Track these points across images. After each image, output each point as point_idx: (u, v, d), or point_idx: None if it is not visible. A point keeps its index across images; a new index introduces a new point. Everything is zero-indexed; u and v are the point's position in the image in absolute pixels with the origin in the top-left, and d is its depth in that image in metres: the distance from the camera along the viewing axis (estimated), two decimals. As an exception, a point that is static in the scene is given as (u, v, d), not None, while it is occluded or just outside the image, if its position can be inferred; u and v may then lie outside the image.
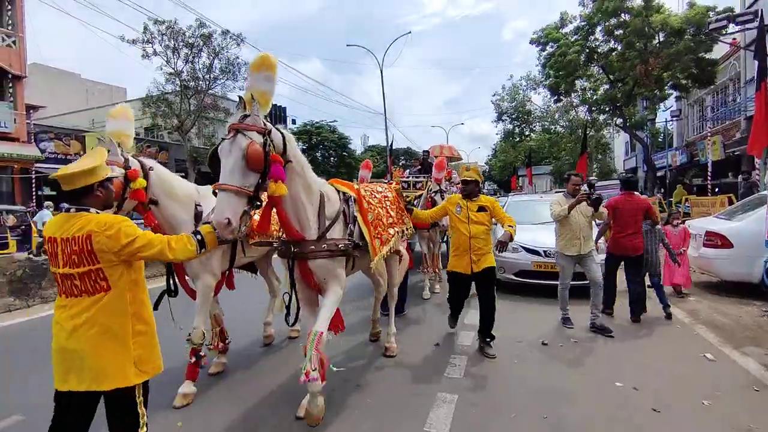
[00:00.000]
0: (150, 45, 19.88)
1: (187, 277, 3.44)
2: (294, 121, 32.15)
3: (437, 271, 6.89)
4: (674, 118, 23.52)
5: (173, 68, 20.49)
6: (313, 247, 2.82)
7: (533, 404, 3.15)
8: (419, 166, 9.08)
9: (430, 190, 6.51)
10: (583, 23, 21.04)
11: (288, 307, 3.00)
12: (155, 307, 2.68)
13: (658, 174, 22.23)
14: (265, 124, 2.41)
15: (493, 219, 4.24)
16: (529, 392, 3.34)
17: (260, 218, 2.94)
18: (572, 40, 21.61)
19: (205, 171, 21.45)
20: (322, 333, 2.76)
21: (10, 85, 15.67)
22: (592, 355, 4.13)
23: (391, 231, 3.61)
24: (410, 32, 24.50)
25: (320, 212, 2.88)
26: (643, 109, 23.86)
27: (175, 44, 20.22)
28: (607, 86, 22.55)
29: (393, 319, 4.28)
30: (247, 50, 30.69)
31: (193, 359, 3.27)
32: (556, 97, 27.39)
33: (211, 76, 21.33)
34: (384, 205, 3.70)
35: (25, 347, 4.61)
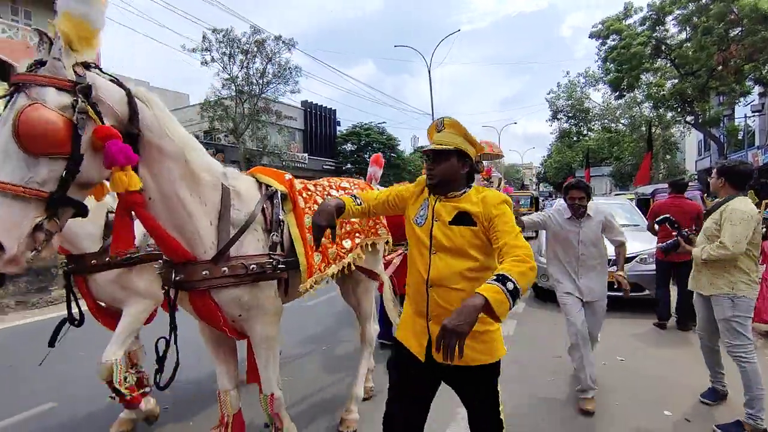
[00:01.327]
0: (208, 53, 20.99)
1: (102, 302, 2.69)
2: (339, 123, 32.60)
3: None
4: (756, 114, 21.18)
5: (229, 74, 21.48)
6: (206, 272, 1.84)
7: (564, 430, 2.84)
8: None
9: None
10: (650, 13, 19.55)
11: (161, 360, 1.94)
12: (51, 343, 2.45)
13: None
14: (78, 74, 1.42)
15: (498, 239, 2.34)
16: (562, 417, 3.02)
17: (117, 230, 1.67)
18: (637, 31, 20.14)
19: (258, 172, 22.29)
20: (273, 395, 2.14)
21: (86, 93, 17.22)
22: (638, 376, 3.69)
23: (348, 243, 2.61)
24: (459, 30, 23.89)
25: (221, 218, 1.91)
26: (717, 104, 21.75)
27: (231, 51, 21.20)
28: (676, 80, 20.79)
29: (363, 369, 3.05)
30: (298, 55, 31.58)
31: (116, 397, 2.58)
32: (617, 94, 25.74)
33: (264, 81, 22.14)
34: None
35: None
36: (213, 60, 21.04)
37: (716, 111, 20.21)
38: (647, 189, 10.67)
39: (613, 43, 21.53)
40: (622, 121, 29.71)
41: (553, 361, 3.98)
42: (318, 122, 30.26)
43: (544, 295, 6.29)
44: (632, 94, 26.11)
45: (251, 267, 1.93)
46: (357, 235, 2.71)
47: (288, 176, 2.34)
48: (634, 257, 5.60)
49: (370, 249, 2.83)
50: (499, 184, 8.42)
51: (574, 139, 34.10)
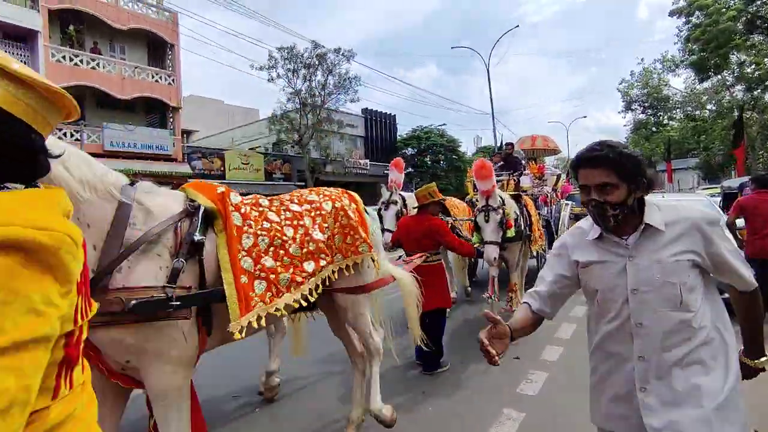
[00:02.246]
0: (274, 69, 22.38)
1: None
2: (396, 128, 32.91)
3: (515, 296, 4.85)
4: None
5: (293, 88, 22.73)
6: None
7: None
8: (501, 162, 7.44)
9: (475, 207, 4.45)
10: None
11: None
12: None
13: None
14: None
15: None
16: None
17: None
18: (727, 5, 18.19)
19: (324, 180, 23.31)
20: None
21: (170, 115, 19.13)
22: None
23: (311, 266, 2.22)
24: (517, 26, 23.21)
25: (109, 239, 1.61)
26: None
27: (294, 66, 22.43)
28: (772, 58, 18.49)
29: (376, 381, 2.80)
30: (359, 63, 32.49)
31: None
32: (701, 77, 23.37)
33: (326, 92, 23.11)
34: (301, 224, 2.28)
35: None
36: (278, 76, 22.39)
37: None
38: (734, 182, 9.63)
39: (697, 20, 19.64)
40: (709, 107, 26.88)
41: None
42: (378, 128, 30.86)
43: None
44: (720, 77, 23.60)
45: (131, 303, 1.54)
46: (323, 256, 2.31)
47: (221, 189, 2.05)
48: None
49: (351, 270, 2.48)
50: (557, 183, 7.89)
51: (653, 130, 31.43)
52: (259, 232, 2.07)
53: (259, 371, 3.45)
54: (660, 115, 30.39)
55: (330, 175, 23.19)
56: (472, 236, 4.75)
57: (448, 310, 4.47)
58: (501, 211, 4.03)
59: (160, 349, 1.67)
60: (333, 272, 2.37)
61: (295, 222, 2.27)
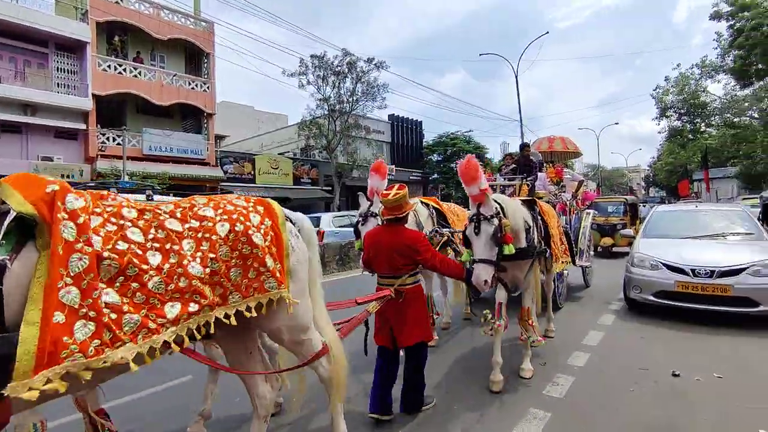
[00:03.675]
0: (304, 76, 22.94)
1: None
2: (423, 135, 32.97)
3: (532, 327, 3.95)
4: None
5: (322, 95, 23.21)
6: None
7: (640, 438, 2.81)
8: (513, 165, 6.78)
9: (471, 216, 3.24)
10: None
11: None
12: None
13: None
14: None
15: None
16: (636, 426, 2.97)
17: None
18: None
19: (350, 185, 23.65)
20: None
21: (205, 121, 19.91)
22: (736, 396, 3.40)
23: (175, 310, 1.71)
24: (547, 32, 22.95)
25: None
26: None
27: (324, 73, 22.92)
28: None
29: None
30: (388, 70, 32.84)
31: None
32: (743, 83, 22.48)
33: (354, 99, 23.50)
34: (174, 249, 1.76)
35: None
36: (309, 83, 22.92)
37: None
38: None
39: (740, 25, 18.91)
40: (750, 114, 25.77)
41: (637, 372, 3.84)
42: (404, 134, 31.06)
43: (636, 307, 5.93)
44: (763, 83, 22.65)
45: None
46: (197, 297, 1.77)
47: (53, 186, 1.52)
48: (744, 269, 5.05)
49: (254, 312, 1.99)
50: (579, 189, 7.25)
51: (689, 137, 30.35)
52: (105, 254, 1.54)
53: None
54: (697, 122, 29.34)
55: (356, 180, 23.46)
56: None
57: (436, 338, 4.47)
58: (496, 221, 3.05)
59: None
60: (225, 316, 1.88)
61: (167, 246, 1.74)
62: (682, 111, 28.54)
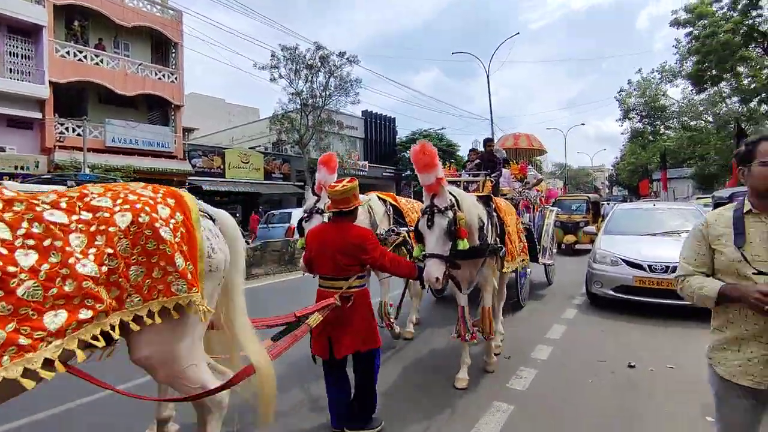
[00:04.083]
0: (276, 69, 22.53)
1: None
2: (396, 132, 33.09)
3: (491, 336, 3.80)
4: None
5: (295, 88, 22.88)
6: None
7: (598, 430, 2.94)
8: (477, 161, 6.47)
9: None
10: None
11: None
12: None
13: None
14: None
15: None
16: (598, 416, 3.11)
17: None
18: (725, 16, 18.44)
19: (321, 180, 23.42)
20: None
21: (172, 113, 19.27)
22: (687, 385, 3.61)
23: (58, 320, 1.43)
24: (518, 33, 23.54)
25: None
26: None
27: (296, 67, 22.59)
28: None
29: None
30: (361, 66, 32.73)
31: None
32: (698, 88, 23.67)
33: (327, 93, 23.28)
34: (57, 247, 1.49)
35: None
36: (281, 76, 22.53)
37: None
38: (725, 192, 9.83)
39: (697, 32, 19.88)
40: (705, 118, 27.21)
41: (596, 365, 4.01)
42: (378, 131, 31.05)
43: (598, 301, 6.18)
44: (717, 88, 23.93)
45: None
46: (91, 302, 1.51)
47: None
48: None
49: (159, 319, 1.69)
50: (537, 184, 7.11)
51: (649, 139, 31.75)
52: None
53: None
54: (657, 125, 30.74)
55: (329, 176, 23.27)
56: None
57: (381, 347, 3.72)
58: (450, 214, 2.89)
59: None
60: (123, 322, 1.61)
61: (46, 242, 1.47)
62: (644, 113, 29.84)
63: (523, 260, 5.02)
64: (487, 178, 5.43)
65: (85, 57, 16.19)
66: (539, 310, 6.20)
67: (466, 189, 5.06)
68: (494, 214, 3.98)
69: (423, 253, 2.98)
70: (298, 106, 23.09)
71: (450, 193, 3.08)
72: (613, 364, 4.00)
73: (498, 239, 3.93)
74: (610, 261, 5.95)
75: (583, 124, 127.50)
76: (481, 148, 7.17)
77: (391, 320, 4.60)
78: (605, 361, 4.09)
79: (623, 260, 5.80)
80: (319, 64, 22.67)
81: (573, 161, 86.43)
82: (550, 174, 52.09)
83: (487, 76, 24.35)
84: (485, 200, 3.92)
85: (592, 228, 9.23)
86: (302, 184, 23.62)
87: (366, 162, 28.63)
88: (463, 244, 2.92)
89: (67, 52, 15.76)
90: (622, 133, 35.00)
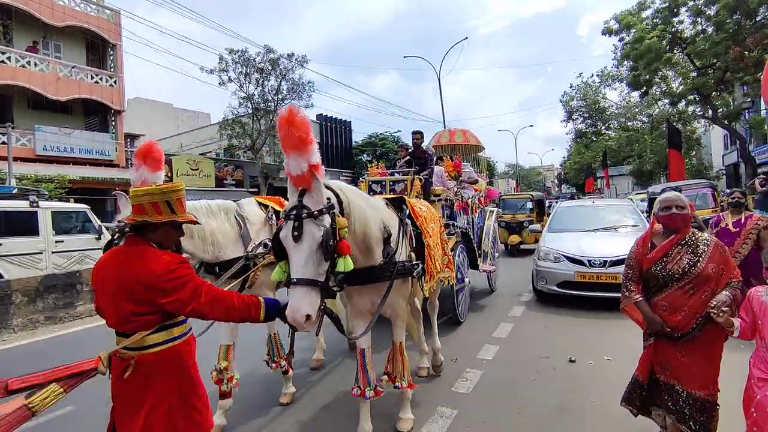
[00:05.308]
0: (225, 73, 21.84)
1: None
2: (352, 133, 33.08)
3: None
4: (780, 105, 20.46)
5: (245, 92, 22.26)
6: None
7: (539, 428, 2.97)
8: (406, 157, 5.48)
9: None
10: (664, 4, 19.15)
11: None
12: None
13: (763, 170, 19.42)
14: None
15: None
16: (539, 413, 3.15)
17: None
18: (650, 23, 19.81)
19: (278, 186, 22.92)
20: None
21: (113, 118, 18.18)
22: (623, 377, 3.75)
23: None
24: (466, 38, 24.17)
25: None
26: (742, 96, 21.10)
27: (246, 70, 22.00)
28: (694, 74, 20.32)
29: None
30: (313, 70, 32.34)
31: None
32: (638, 92, 25.27)
33: (279, 97, 22.83)
34: None
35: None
36: (230, 80, 21.87)
37: (736, 105, 19.67)
38: (658, 188, 10.50)
39: (628, 38, 21.22)
40: (640, 119, 29.12)
41: (539, 361, 4.10)
42: (333, 134, 30.85)
43: (543, 297, 6.36)
44: (651, 91, 25.65)
45: None
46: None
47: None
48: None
49: None
50: (475, 182, 6.59)
51: (592, 139, 33.58)
52: None
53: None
54: (598, 125, 32.54)
55: (284, 182, 22.69)
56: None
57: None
58: (327, 219, 2.00)
59: None
60: None
61: None
62: (586, 115, 31.53)
63: (441, 278, 3.77)
64: (416, 176, 4.72)
65: (8, 59, 14.96)
66: (488, 306, 6.31)
67: (393, 190, 4.55)
68: (408, 221, 3.08)
69: (287, 276, 1.98)
70: (250, 111, 22.50)
71: (329, 188, 2.21)
72: (555, 360, 4.10)
73: (414, 254, 3.06)
74: (553, 258, 6.15)
75: (531, 125, 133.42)
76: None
77: (286, 358, 3.32)
78: (548, 357, 4.19)
79: (565, 256, 6.01)
80: (269, 67, 22.23)
81: (524, 161, 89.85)
82: (503, 174, 53.81)
83: (439, 80, 24.83)
84: (397, 204, 3.13)
85: (537, 226, 9.49)
86: (256, 191, 23.01)
87: (322, 166, 28.25)
88: (345, 264, 2.01)
89: (-12, 54, 14.51)
90: (567, 134, 36.86)
